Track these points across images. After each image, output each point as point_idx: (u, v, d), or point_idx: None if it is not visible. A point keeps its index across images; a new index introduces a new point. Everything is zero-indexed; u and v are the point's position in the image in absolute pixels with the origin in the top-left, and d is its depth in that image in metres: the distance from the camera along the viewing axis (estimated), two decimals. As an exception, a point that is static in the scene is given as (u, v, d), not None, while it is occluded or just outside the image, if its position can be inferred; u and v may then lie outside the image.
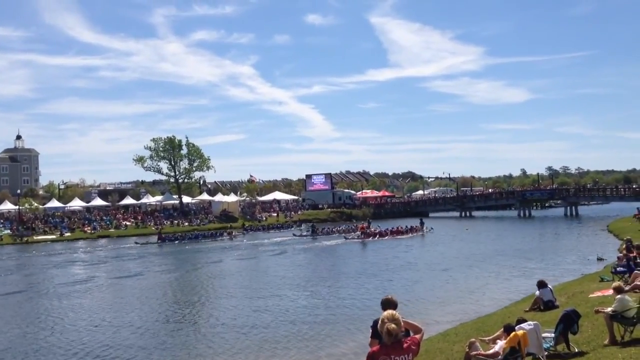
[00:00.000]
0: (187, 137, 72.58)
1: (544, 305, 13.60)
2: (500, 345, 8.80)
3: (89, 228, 58.37)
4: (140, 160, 70.94)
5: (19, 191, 70.45)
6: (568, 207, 70.14)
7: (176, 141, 71.34)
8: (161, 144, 70.97)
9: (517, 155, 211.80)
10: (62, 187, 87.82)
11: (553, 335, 9.40)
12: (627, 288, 12.23)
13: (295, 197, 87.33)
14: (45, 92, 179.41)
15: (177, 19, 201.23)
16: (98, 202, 71.74)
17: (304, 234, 50.57)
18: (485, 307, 16.73)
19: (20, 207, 62.33)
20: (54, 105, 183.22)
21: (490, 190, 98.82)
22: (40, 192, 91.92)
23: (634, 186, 77.75)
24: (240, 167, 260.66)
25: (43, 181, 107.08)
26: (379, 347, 4.68)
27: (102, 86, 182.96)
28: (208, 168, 73.27)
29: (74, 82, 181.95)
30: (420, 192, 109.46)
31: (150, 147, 70.76)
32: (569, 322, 9.31)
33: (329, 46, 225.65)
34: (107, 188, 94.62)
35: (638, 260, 16.33)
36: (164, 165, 71.84)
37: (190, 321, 17.60)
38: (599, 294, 14.08)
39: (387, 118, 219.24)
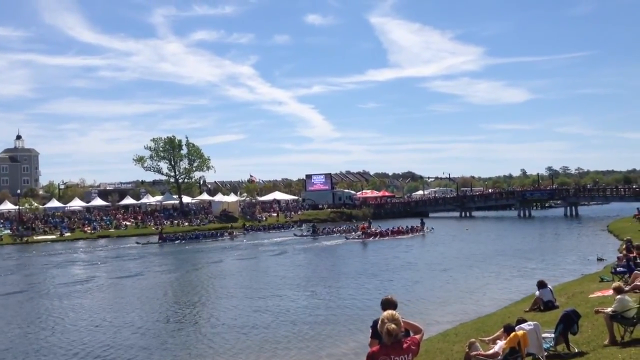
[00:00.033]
0: (187, 137, 72.77)
1: (544, 305, 13.62)
2: (500, 345, 8.82)
3: (89, 228, 58.38)
4: (140, 160, 70.99)
5: (19, 191, 70.44)
6: (568, 208, 70.13)
7: (176, 141, 71.36)
8: (161, 144, 71.00)
9: (517, 156, 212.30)
10: (62, 187, 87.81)
11: (553, 335, 9.42)
12: (627, 288, 12.24)
13: (295, 197, 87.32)
14: (45, 92, 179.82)
15: (177, 19, 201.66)
16: (98, 202, 71.75)
17: (305, 234, 50.59)
18: (485, 307, 16.74)
19: (20, 207, 62.33)
20: (53, 105, 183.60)
21: (490, 190, 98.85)
22: (40, 192, 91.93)
23: (633, 186, 77.74)
24: (240, 167, 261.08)
25: (43, 181, 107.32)
26: (379, 347, 4.69)
27: (102, 86, 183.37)
28: (208, 168, 73.39)
29: (74, 82, 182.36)
30: (420, 192, 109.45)
31: (150, 147, 70.88)
32: (568, 323, 9.33)
33: (328, 46, 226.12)
34: (107, 188, 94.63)
35: (638, 261, 16.35)
36: (164, 165, 72.00)
37: (191, 321, 17.62)
38: (599, 294, 14.10)
39: (387, 118, 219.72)
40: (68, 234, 56.01)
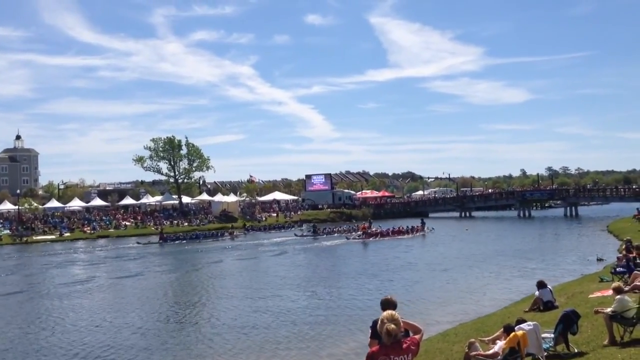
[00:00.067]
0: (186, 137, 72.68)
1: (543, 305, 13.63)
2: (499, 345, 8.83)
3: (89, 228, 58.36)
4: (139, 160, 70.94)
5: (18, 191, 70.41)
6: (568, 208, 70.13)
7: (176, 141, 71.30)
8: (161, 144, 70.94)
9: (517, 156, 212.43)
10: (61, 187, 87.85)
11: (552, 335, 9.43)
12: (626, 288, 12.25)
13: (295, 198, 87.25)
14: (45, 92, 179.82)
15: (177, 19, 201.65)
16: (98, 202, 71.76)
17: (305, 234, 50.59)
18: (485, 308, 16.76)
19: (20, 207, 62.31)
20: (53, 105, 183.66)
21: (490, 190, 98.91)
22: (40, 192, 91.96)
23: (633, 187, 77.84)
24: (240, 167, 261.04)
25: (43, 181, 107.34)
26: (379, 347, 4.70)
27: (101, 86, 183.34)
28: (208, 168, 73.33)
29: (74, 82, 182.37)
30: (420, 192, 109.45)
31: (149, 147, 70.81)
32: (568, 323, 9.34)
33: (328, 46, 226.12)
34: (107, 188, 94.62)
35: (638, 261, 16.36)
36: (163, 166, 71.91)
37: (191, 321, 17.63)
38: (598, 294, 14.11)
39: (386, 118, 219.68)
40: (68, 234, 55.98)
